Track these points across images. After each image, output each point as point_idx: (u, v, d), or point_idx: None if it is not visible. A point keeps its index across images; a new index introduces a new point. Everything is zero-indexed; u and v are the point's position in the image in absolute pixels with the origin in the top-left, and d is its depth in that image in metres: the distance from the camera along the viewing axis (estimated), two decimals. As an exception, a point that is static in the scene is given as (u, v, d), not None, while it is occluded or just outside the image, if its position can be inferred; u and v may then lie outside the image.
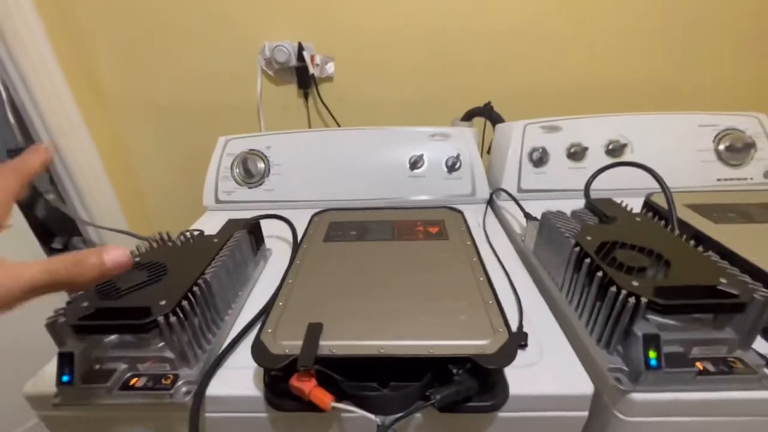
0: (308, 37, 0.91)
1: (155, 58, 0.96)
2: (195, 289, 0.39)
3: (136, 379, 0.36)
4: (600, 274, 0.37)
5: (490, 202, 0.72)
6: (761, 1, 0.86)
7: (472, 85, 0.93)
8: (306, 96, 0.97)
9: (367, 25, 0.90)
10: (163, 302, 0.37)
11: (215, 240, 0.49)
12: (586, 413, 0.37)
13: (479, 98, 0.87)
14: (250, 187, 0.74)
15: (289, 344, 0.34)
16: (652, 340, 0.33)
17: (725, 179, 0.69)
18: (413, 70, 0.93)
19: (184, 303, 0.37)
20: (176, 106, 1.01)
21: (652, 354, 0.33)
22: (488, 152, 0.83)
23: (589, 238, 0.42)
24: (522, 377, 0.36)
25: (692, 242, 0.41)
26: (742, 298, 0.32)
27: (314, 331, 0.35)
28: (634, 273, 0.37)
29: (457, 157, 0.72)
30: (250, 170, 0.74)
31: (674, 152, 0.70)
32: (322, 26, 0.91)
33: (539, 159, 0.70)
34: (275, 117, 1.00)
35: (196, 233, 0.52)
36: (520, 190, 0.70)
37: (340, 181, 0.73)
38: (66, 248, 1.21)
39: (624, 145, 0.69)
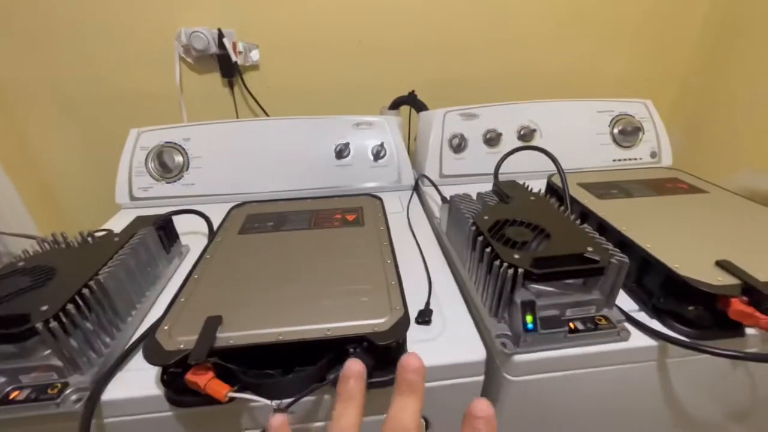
0: (229, 23, 0.87)
1: (58, 43, 0.87)
2: (85, 291, 0.37)
3: (17, 392, 0.34)
4: (489, 249, 0.40)
5: (416, 188, 0.75)
6: (655, 4, 0.96)
7: (400, 73, 0.95)
8: (231, 85, 0.93)
9: (292, 12, 0.88)
10: (44, 307, 0.34)
11: (116, 239, 0.46)
12: (481, 378, 0.40)
13: (407, 86, 0.89)
14: (168, 182, 0.70)
15: (185, 339, 0.34)
16: (528, 306, 0.36)
17: (619, 159, 0.77)
18: (341, 58, 0.93)
19: (70, 307, 0.35)
20: (87, 96, 0.93)
21: (529, 318, 0.36)
22: (415, 139, 0.85)
23: (486, 217, 0.45)
24: (423, 351, 0.38)
25: (574, 216, 0.46)
26: (601, 262, 0.37)
27: (212, 324, 0.35)
28: (518, 247, 0.40)
29: (382, 145, 0.74)
30: (166, 164, 0.70)
31: (576, 136, 0.76)
32: (243, 12, 0.87)
33: (458, 145, 0.74)
34: (199, 107, 0.94)
35: (98, 233, 0.49)
36: (442, 175, 0.73)
37: (265, 172, 0.72)
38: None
39: (533, 131, 0.75)
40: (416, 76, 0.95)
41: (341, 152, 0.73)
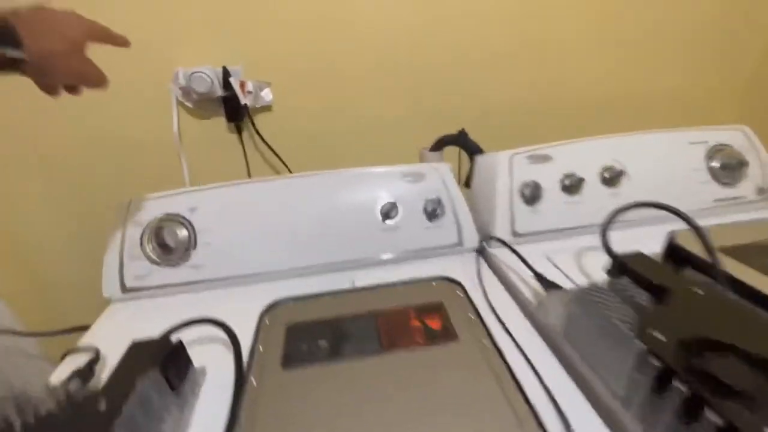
0: (234, 59, 0.74)
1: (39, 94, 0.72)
2: None
3: None
4: (686, 390, 0.25)
5: (481, 251, 0.60)
6: (731, 8, 0.84)
7: (439, 108, 0.82)
8: (239, 130, 0.79)
9: (307, 42, 0.75)
10: None
11: (102, 407, 0.30)
12: None
13: (447, 123, 0.76)
14: (170, 266, 0.55)
15: None
16: None
17: (722, 199, 0.63)
18: (368, 94, 0.80)
19: None
20: (72, 153, 0.78)
21: None
22: (466, 185, 0.71)
23: (657, 335, 0.31)
24: None
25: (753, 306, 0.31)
26: None
27: None
28: (738, 396, 0.25)
29: (438, 201, 0.59)
30: (167, 243, 0.54)
31: (669, 174, 0.63)
32: (250, 46, 0.74)
33: (532, 196, 0.59)
34: (203, 159, 0.80)
35: (73, 389, 0.33)
36: (514, 234, 0.59)
37: (292, 244, 0.56)
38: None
39: (620, 173, 0.61)
40: (458, 111, 0.81)
41: (388, 213, 0.58)
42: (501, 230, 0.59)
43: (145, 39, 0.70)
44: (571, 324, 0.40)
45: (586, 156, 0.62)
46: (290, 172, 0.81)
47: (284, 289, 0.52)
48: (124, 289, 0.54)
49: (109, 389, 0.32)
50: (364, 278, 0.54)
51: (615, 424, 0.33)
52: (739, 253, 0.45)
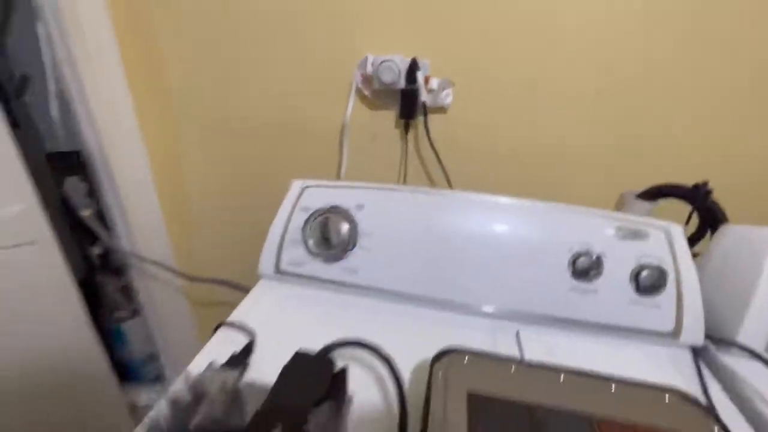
0: (423, 52, 0.68)
1: (232, 65, 0.78)
2: None
3: None
4: None
5: (701, 354, 0.44)
6: None
7: (658, 148, 0.65)
8: (407, 128, 0.74)
9: (505, 51, 0.65)
10: None
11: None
12: None
13: (663, 169, 0.59)
14: (325, 261, 0.52)
15: None
16: None
17: None
18: (562, 115, 0.67)
19: None
20: (246, 124, 0.83)
21: None
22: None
23: None
24: None
25: None
26: None
27: None
28: None
29: (659, 271, 0.45)
30: (329, 238, 0.51)
31: None
32: (441, 43, 0.68)
33: (816, 303, 0.41)
34: (360, 148, 0.78)
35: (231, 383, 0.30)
36: (770, 348, 0.41)
37: (458, 277, 0.49)
38: (107, 254, 1.08)
39: None
40: (687, 154, 0.64)
41: (586, 271, 0.46)
42: (749, 337, 0.42)
43: (334, 26, 0.69)
44: None
45: None
46: (450, 186, 0.73)
47: (447, 325, 0.45)
48: (278, 270, 0.53)
49: (278, 414, 0.27)
50: (540, 341, 0.44)
51: None
52: None
